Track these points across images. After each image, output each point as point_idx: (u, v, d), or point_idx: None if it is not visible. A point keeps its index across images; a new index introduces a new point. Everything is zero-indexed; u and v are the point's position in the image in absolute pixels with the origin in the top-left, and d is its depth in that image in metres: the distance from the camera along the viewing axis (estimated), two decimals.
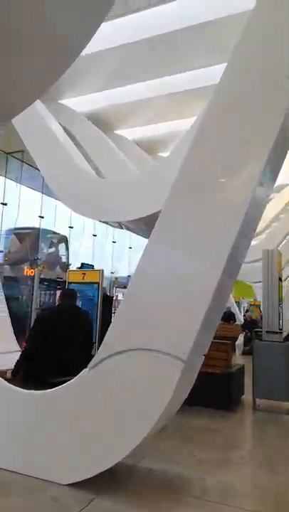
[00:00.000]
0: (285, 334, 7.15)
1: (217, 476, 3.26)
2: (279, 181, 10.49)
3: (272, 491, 3.07)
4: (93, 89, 8.06)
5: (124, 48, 6.57)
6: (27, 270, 12.61)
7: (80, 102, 8.44)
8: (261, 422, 5.05)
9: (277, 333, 6.40)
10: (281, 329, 6.81)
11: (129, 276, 17.65)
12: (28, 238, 14.20)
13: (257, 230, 11.26)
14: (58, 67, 2.31)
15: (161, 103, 8.22)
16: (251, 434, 4.81)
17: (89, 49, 6.35)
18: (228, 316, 15.13)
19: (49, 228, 14.55)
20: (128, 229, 9.37)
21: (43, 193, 13.59)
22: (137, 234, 11.11)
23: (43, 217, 13.65)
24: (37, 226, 13.94)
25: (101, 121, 8.82)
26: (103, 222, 8.86)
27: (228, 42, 3.58)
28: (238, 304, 23.71)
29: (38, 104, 7.47)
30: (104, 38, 6.26)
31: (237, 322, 15.38)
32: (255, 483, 3.25)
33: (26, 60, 2.00)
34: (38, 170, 8.09)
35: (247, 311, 15.03)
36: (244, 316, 17.42)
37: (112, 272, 18.08)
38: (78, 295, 6.89)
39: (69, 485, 2.94)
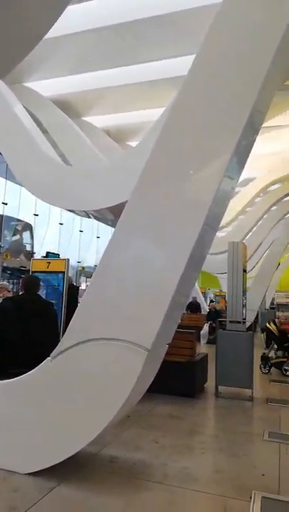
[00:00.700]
0: (248, 324, 7.36)
1: (179, 462, 3.34)
2: (246, 175, 10.74)
3: (232, 474, 3.17)
4: (61, 74, 7.83)
5: (93, 32, 6.42)
6: None
7: (47, 86, 8.18)
8: (223, 408, 5.20)
9: (240, 322, 6.57)
10: (244, 319, 7.01)
11: (96, 266, 17.54)
12: None
13: (224, 223, 11.48)
14: (21, 49, 2.21)
15: (130, 91, 8.12)
16: (213, 420, 4.94)
17: (58, 31, 6.20)
18: (195, 306, 15.44)
19: (13, 215, 14.17)
20: (96, 218, 9.27)
21: (6, 178, 13.18)
22: (105, 223, 11.02)
23: (6, 204, 13.25)
24: (0, 213, 13.54)
25: (68, 106, 8.60)
26: (69, 210, 8.69)
27: (199, 33, 3.56)
28: (204, 294, 24.22)
29: (2, 86, 7.18)
30: (74, 21, 6.10)
31: (202, 312, 15.72)
32: (215, 468, 3.34)
33: None
34: (1, 154, 7.81)
35: (212, 301, 15.36)
36: (209, 306, 17.79)
37: (78, 262, 17.90)
38: (42, 284, 6.79)
39: (31, 474, 2.92)
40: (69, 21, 6.01)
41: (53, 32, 6.09)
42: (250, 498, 2.75)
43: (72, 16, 5.94)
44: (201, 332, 11.75)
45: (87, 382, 3.02)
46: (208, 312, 13.76)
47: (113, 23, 6.30)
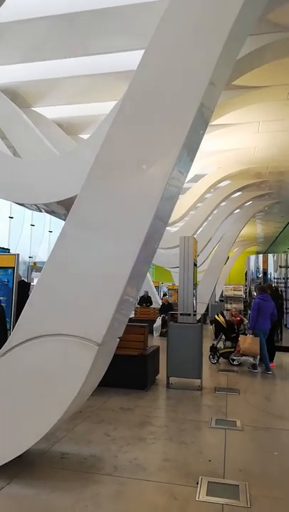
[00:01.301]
0: (198, 316, 7.59)
1: (129, 453, 3.40)
2: (197, 171, 10.99)
3: (180, 462, 3.29)
4: (10, 61, 7.51)
5: (45, 20, 6.21)
6: None
7: None
8: (174, 398, 5.34)
9: (190, 315, 6.76)
10: (195, 311, 7.21)
11: None
12: None
13: (175, 218, 11.69)
14: None
15: (83, 83, 7.97)
16: (164, 410, 5.06)
17: (8, 17, 5.95)
18: (146, 300, 15.63)
19: None
20: (47, 212, 9.05)
21: None
22: (58, 218, 10.80)
23: None
24: None
25: (17, 96, 8.29)
26: (19, 204, 8.42)
27: (150, 26, 3.58)
28: (157, 288, 24.54)
29: None
30: (25, 7, 5.87)
31: (154, 305, 15.94)
32: (164, 457, 3.44)
33: None
34: None
35: (164, 294, 15.59)
36: (162, 299, 18.07)
37: (30, 257, 17.42)
38: None
39: None
40: (20, 7, 5.79)
41: (4, 16, 5.83)
42: (197, 483, 2.87)
43: (23, 2, 5.72)
44: (154, 325, 11.92)
45: (37, 379, 2.99)
46: (161, 305, 13.98)
47: (65, 12, 6.15)
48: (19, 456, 2.92)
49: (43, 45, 6.97)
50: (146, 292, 16.15)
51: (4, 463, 2.89)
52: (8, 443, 2.97)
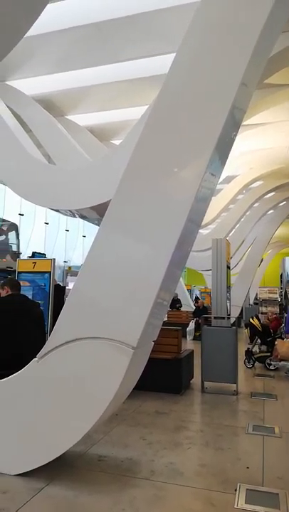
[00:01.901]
0: (232, 320, 7.47)
1: (165, 458, 3.39)
2: (228, 172, 10.86)
3: (217, 468, 3.24)
4: (44, 72, 7.76)
5: (76, 30, 6.38)
6: None
7: (29, 84, 8.09)
8: (209, 403, 5.28)
9: (224, 318, 6.67)
10: (229, 315, 7.12)
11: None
12: None
13: (208, 220, 11.60)
14: (1, 47, 2.21)
15: (113, 89, 8.11)
16: (199, 415, 5.01)
17: (39, 30, 6.15)
18: (172, 303, 15.47)
19: None
20: (81, 217, 9.24)
21: None
22: (91, 222, 10.99)
23: None
24: None
25: (52, 105, 8.54)
26: (54, 210, 8.64)
27: (180, 30, 3.59)
28: (189, 291, 24.39)
29: None
30: (56, 18, 6.06)
31: (185, 309, 15.83)
32: (201, 462, 3.40)
33: None
34: None
35: (197, 298, 15.45)
36: (196, 303, 17.93)
37: (65, 261, 17.81)
38: (29, 285, 6.76)
39: (20, 475, 2.93)
40: (52, 19, 5.97)
41: (36, 29, 6.05)
42: (235, 490, 2.82)
43: (55, 13, 5.90)
44: (187, 329, 11.85)
45: (74, 382, 3.04)
46: (195, 309, 13.88)
47: (95, 21, 6.28)
48: (58, 457, 2.98)
49: (74, 54, 7.15)
50: (176, 295, 16.07)
51: (44, 464, 2.95)
52: (47, 445, 3.04)
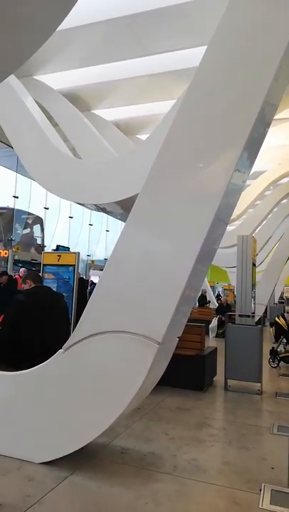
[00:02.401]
0: (257, 318, 7.36)
1: (188, 454, 3.38)
2: (255, 168, 10.63)
3: (241, 467, 3.21)
4: (71, 66, 7.81)
5: (103, 24, 6.37)
6: (0, 251, 12.37)
7: (56, 79, 8.17)
8: (232, 401, 5.22)
9: (249, 316, 6.57)
10: (253, 313, 7.00)
11: (106, 259, 17.62)
12: (2, 218, 13.89)
13: (233, 216, 11.41)
14: (33, 42, 2.21)
15: (140, 84, 8.07)
16: (222, 413, 4.97)
17: (67, 24, 6.18)
18: (201, 299, 15.37)
19: (24, 209, 14.25)
20: (105, 212, 9.29)
21: (17, 172, 13.23)
22: (114, 217, 11.04)
23: (17, 197, 13.33)
24: (11, 206, 13.62)
25: (78, 99, 8.59)
26: (79, 204, 8.72)
27: (210, 24, 3.52)
28: (213, 288, 24.18)
29: (13, 79, 7.19)
30: (83, 13, 6.06)
31: (211, 305, 15.71)
32: (224, 460, 3.37)
33: (1, 31, 1.91)
34: (12, 148, 7.84)
35: (218, 295, 15.26)
36: (219, 300, 17.77)
37: (88, 255, 17.99)
38: (54, 277, 6.87)
39: (45, 463, 2.98)
40: (78, 13, 5.96)
41: (63, 24, 6.07)
42: (260, 490, 2.78)
43: (81, 8, 5.89)
44: (210, 326, 11.76)
45: (99, 374, 3.07)
46: (218, 306, 13.75)
47: (122, 15, 6.24)
48: (81, 448, 3.02)
49: (100, 48, 7.15)
50: (204, 291, 15.94)
51: (68, 453, 3.00)
52: (72, 434, 3.08)
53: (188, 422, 4.23)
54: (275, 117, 7.90)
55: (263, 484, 2.86)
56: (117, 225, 18.81)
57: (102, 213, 11.75)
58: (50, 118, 8.17)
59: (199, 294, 15.40)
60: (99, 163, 7.47)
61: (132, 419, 4.02)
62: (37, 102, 7.91)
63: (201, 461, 3.25)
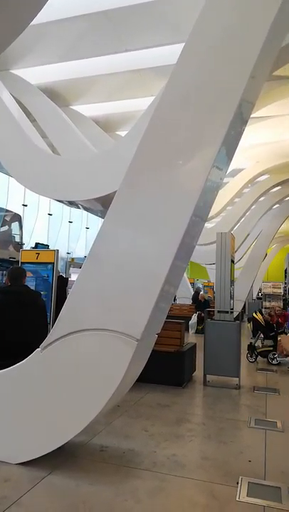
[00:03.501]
0: (236, 314, 7.46)
1: (168, 449, 3.40)
2: (234, 166, 10.77)
3: (220, 461, 3.25)
4: (49, 61, 7.67)
5: (82, 19, 6.28)
6: None
7: (34, 74, 8.00)
8: (211, 396, 5.28)
9: (228, 312, 6.65)
10: (232, 309, 7.09)
11: (86, 257, 17.47)
12: None
13: (212, 214, 11.52)
14: (6, 36, 2.17)
15: (119, 80, 8.01)
16: (201, 408, 5.02)
17: (45, 17, 6.07)
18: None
19: (1, 206, 13.97)
20: (85, 209, 9.21)
21: None
22: (95, 214, 10.96)
23: None
24: None
25: (57, 95, 8.46)
26: (58, 201, 8.61)
27: (189, 21, 3.52)
28: (193, 284, 24.37)
29: None
30: (61, 7, 5.97)
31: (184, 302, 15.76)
32: (203, 455, 3.41)
33: None
34: None
35: (196, 292, 15.27)
36: (196, 294, 17.89)
37: (68, 253, 17.81)
38: (32, 275, 6.76)
39: (22, 464, 2.94)
40: (57, 7, 5.88)
41: (41, 18, 5.97)
42: (237, 483, 2.82)
43: (60, 2, 5.81)
44: (190, 322, 11.85)
45: (77, 373, 3.04)
46: (197, 302, 13.86)
47: (102, 9, 6.18)
48: (60, 447, 2.99)
49: (80, 43, 7.05)
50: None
51: (46, 453, 2.96)
52: (49, 434, 3.05)
53: (168, 418, 4.25)
54: (254, 115, 8.03)
55: (240, 477, 2.90)
56: (97, 223, 18.70)
57: (82, 210, 11.67)
58: (28, 113, 8.03)
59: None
60: (78, 160, 7.40)
61: (111, 417, 4.02)
62: (14, 97, 7.76)
63: (180, 457, 3.27)
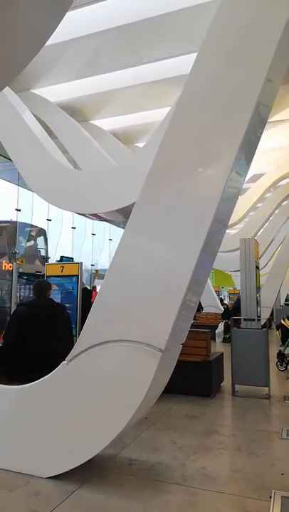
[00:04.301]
0: (263, 321, 7.29)
1: (197, 462, 3.32)
2: (255, 171, 10.65)
3: (251, 474, 3.15)
4: (67, 78, 7.88)
5: (97, 35, 6.43)
6: (5, 265, 12.40)
7: (53, 92, 8.24)
8: (240, 407, 5.16)
9: (254, 320, 6.52)
10: (259, 316, 6.94)
11: None
12: (5, 232, 13.94)
13: (235, 220, 11.40)
14: (23, 55, 2.24)
15: (136, 92, 8.13)
16: (230, 419, 4.90)
17: (61, 37, 6.25)
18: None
19: (26, 221, 14.30)
20: (107, 221, 9.30)
21: (18, 185, 13.31)
22: (117, 226, 11.05)
23: (19, 211, 13.39)
24: (14, 219, 13.67)
25: (76, 111, 8.66)
26: (81, 214, 8.74)
27: (203, 30, 3.54)
28: (218, 293, 24.07)
29: (10, 94, 7.27)
30: (76, 25, 6.13)
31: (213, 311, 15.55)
32: (234, 468, 3.32)
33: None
34: (12, 161, 7.89)
35: (222, 300, 15.02)
36: (224, 304, 17.66)
37: (92, 265, 17.98)
38: (57, 288, 6.86)
39: (52, 478, 2.95)
40: (72, 25, 6.05)
41: (57, 37, 6.14)
42: (270, 497, 2.72)
43: (75, 20, 5.98)
44: (216, 331, 11.67)
45: (103, 385, 3.04)
46: (224, 310, 13.66)
47: (116, 25, 6.31)
48: (88, 460, 2.98)
49: (97, 59, 7.21)
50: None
51: (74, 467, 2.96)
52: (77, 447, 3.04)
53: (197, 430, 4.17)
54: (273, 119, 7.96)
55: (273, 491, 2.80)
56: (119, 234, 18.80)
57: (104, 223, 11.78)
58: (48, 131, 8.24)
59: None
60: (98, 173, 7.50)
61: (139, 429, 3.98)
62: (35, 116, 7.99)
63: (210, 470, 3.19)
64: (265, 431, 4.24)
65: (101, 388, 3.04)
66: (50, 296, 4.03)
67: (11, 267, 12.61)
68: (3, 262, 12.16)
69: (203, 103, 3.34)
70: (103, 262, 19.08)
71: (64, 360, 3.13)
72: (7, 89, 7.23)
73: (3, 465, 3.11)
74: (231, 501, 2.74)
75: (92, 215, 7.96)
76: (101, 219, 8.61)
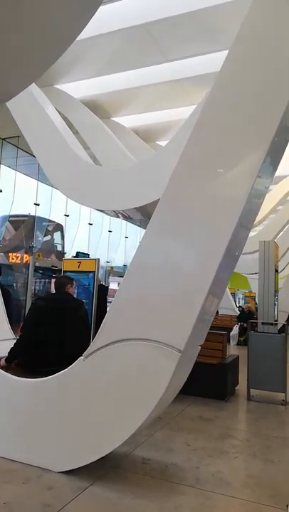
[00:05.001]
0: (280, 325, 7.18)
1: (211, 466, 3.28)
2: (277, 172, 10.47)
3: (267, 481, 3.09)
4: (91, 75, 7.91)
5: (122, 33, 6.42)
6: (25, 256, 12.53)
7: (77, 88, 8.29)
8: (255, 412, 5.08)
9: (272, 324, 6.42)
10: (276, 321, 6.83)
11: (125, 265, 17.62)
12: (23, 226, 14.10)
13: (255, 222, 11.25)
14: (55, 50, 2.23)
15: (158, 90, 8.10)
16: (245, 424, 4.84)
17: (86, 33, 6.25)
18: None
19: (44, 216, 14.43)
20: (124, 218, 9.30)
21: (38, 180, 13.44)
22: (134, 223, 11.05)
23: (38, 205, 13.52)
24: (32, 214, 13.81)
25: (98, 107, 8.68)
26: (99, 210, 8.76)
27: (230, 28, 3.49)
28: (233, 295, 23.84)
29: (34, 89, 7.32)
30: (102, 22, 6.13)
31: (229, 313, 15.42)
32: (249, 473, 3.26)
33: (26, 37, 1.93)
34: (34, 156, 7.96)
35: (240, 307, 14.87)
36: (240, 307, 17.49)
37: (107, 262, 18.04)
38: (75, 284, 6.88)
39: (65, 472, 2.95)
40: (98, 22, 6.05)
41: (83, 34, 6.14)
42: (287, 506, 2.67)
43: (100, 17, 5.98)
44: (231, 333, 11.56)
45: (120, 382, 3.02)
46: (240, 313, 13.52)
47: (141, 22, 6.28)
48: (102, 457, 2.97)
49: (121, 57, 7.21)
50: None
51: (88, 463, 2.95)
52: (92, 443, 3.04)
53: (211, 433, 4.13)
54: None
55: None
56: (135, 232, 18.81)
57: (121, 220, 11.79)
58: (71, 126, 8.28)
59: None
60: (119, 170, 7.50)
61: (153, 429, 3.96)
62: (58, 111, 8.03)
63: (225, 474, 3.15)
64: (281, 437, 4.16)
65: (118, 386, 3.03)
66: (74, 292, 4.05)
67: (28, 260, 12.75)
68: (22, 255, 12.30)
69: (231, 104, 3.28)
70: (118, 259, 19.12)
71: (80, 355, 3.13)
72: (31, 84, 7.28)
73: (15, 456, 3.14)
74: (247, 507, 2.70)
75: (118, 213, 7.97)
76: (126, 218, 8.61)
